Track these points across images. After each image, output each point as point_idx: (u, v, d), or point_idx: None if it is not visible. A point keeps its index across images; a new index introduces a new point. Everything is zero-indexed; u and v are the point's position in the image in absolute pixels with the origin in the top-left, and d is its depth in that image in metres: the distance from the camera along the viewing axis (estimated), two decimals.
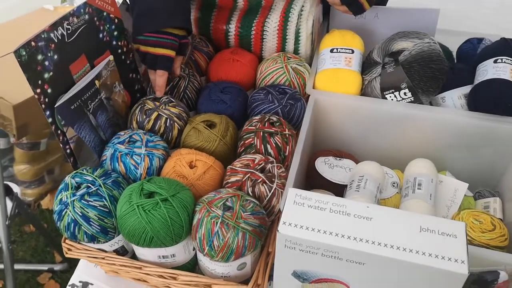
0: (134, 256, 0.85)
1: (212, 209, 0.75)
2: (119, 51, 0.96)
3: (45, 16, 2.17)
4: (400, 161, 1.01)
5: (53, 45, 0.78)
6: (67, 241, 0.82)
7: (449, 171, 1.03)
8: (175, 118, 0.94)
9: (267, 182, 0.82)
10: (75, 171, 0.81)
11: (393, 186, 0.98)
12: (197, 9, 1.13)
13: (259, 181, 0.82)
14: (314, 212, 0.70)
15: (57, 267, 1.92)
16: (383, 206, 0.82)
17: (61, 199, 0.78)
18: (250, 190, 0.82)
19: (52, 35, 0.78)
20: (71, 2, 3.18)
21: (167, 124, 0.94)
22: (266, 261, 0.81)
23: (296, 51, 1.14)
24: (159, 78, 0.97)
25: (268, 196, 0.82)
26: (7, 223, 1.38)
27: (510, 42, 1.01)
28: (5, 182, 1.42)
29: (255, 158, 0.86)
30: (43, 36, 0.76)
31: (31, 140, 1.90)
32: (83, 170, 0.81)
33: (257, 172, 0.83)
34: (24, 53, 0.72)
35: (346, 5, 1.01)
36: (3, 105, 1.69)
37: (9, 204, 1.43)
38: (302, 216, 0.69)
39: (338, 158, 1.03)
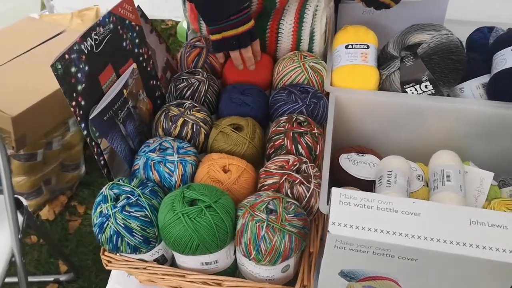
0: (173, 264, 0.84)
1: (256, 213, 0.75)
2: (141, 58, 0.95)
3: (32, 25, 2.14)
4: (421, 154, 1.02)
5: (84, 57, 0.77)
6: (106, 253, 0.81)
7: (471, 161, 1.04)
8: (201, 123, 0.94)
9: (305, 182, 0.82)
10: (112, 182, 0.80)
11: (419, 179, 0.99)
12: None
13: (296, 182, 0.82)
14: (361, 210, 0.70)
15: (63, 278, 1.90)
16: (428, 201, 0.83)
17: (101, 212, 0.77)
18: (288, 191, 0.82)
19: (82, 46, 0.77)
20: (50, 10, 3.13)
21: (194, 130, 0.93)
22: (309, 262, 0.81)
23: (310, 50, 1.14)
24: (249, 53, 0.99)
25: (307, 197, 0.82)
26: (19, 236, 1.35)
27: None
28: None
29: (289, 159, 0.86)
30: (75, 48, 0.75)
31: (28, 151, 1.87)
32: (119, 181, 0.80)
33: (293, 173, 0.83)
34: (59, 66, 0.71)
35: None
36: (1, 117, 1.65)
37: (19, 217, 1.40)
38: (350, 215, 0.69)
39: (361, 154, 1.03)
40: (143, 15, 1.00)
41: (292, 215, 0.76)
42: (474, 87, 1.06)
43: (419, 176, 0.99)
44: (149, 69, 0.98)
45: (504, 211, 0.89)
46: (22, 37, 2.00)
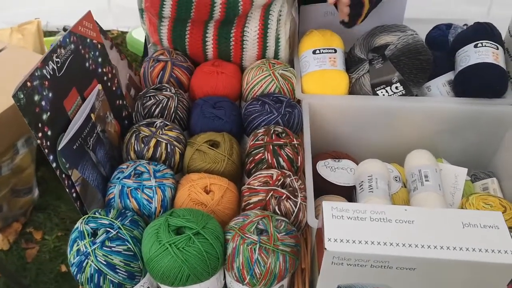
0: None
1: (246, 235, 0.72)
2: (105, 78, 0.89)
3: None
4: (395, 154, 1.02)
5: (46, 82, 0.70)
6: None
7: (444, 158, 1.05)
8: (175, 142, 0.89)
9: (291, 197, 0.80)
10: (87, 216, 0.74)
11: (396, 180, 0.99)
12: (170, 24, 1.07)
13: (283, 197, 0.80)
14: (355, 223, 0.69)
15: None
16: (419, 207, 0.83)
17: (78, 250, 0.71)
18: (276, 208, 0.79)
19: (44, 71, 0.70)
20: None
21: (168, 150, 0.88)
22: (302, 279, 0.79)
23: (276, 56, 1.11)
24: None
25: (295, 212, 0.79)
26: None
27: (485, 26, 1.05)
28: None
29: (272, 173, 0.83)
30: (37, 74, 0.68)
31: None
32: (95, 213, 0.75)
33: (279, 189, 0.80)
34: (22, 96, 0.65)
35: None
36: None
37: None
38: (345, 229, 0.68)
39: (337, 160, 1.02)
40: (102, 30, 0.94)
41: (284, 233, 0.73)
42: (440, 84, 1.07)
43: (396, 177, 1.00)
44: (114, 88, 0.93)
45: (483, 206, 0.90)
46: None
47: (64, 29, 2.44)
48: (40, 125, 0.68)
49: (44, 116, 0.70)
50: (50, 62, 0.72)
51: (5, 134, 1.71)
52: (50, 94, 0.71)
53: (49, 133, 0.70)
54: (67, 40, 0.77)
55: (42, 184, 2.04)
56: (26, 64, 1.84)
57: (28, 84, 0.66)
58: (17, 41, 2.16)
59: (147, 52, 1.25)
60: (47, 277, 1.82)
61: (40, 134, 0.68)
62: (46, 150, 0.70)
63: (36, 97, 0.68)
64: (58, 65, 0.74)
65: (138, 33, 2.17)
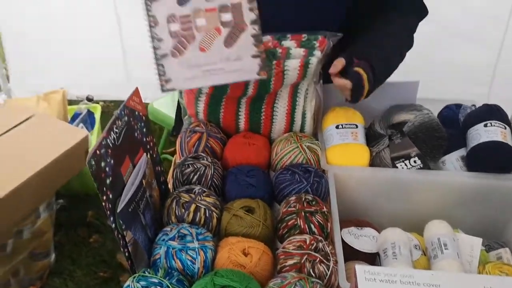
0: None
1: None
2: (148, 146, 0.98)
3: None
4: (414, 224, 1.09)
5: (109, 151, 0.79)
6: None
7: (460, 228, 1.12)
8: (213, 208, 0.96)
9: (324, 260, 0.86)
10: (137, 274, 0.80)
11: (416, 248, 1.05)
12: (206, 100, 1.18)
13: (317, 261, 0.86)
14: (386, 285, 0.74)
15: None
16: (444, 272, 0.88)
17: None
18: (311, 271, 0.85)
19: (108, 140, 0.79)
20: (7, 92, 3.10)
21: (207, 215, 0.95)
22: None
23: (302, 129, 1.21)
24: None
25: (328, 275, 0.85)
26: None
27: (493, 107, 1.16)
28: None
29: (305, 238, 0.89)
30: (103, 143, 0.77)
31: None
32: (144, 272, 0.80)
33: (313, 252, 0.86)
34: (93, 162, 0.73)
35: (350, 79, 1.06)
36: None
37: None
38: None
39: (360, 228, 1.09)
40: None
41: None
42: (454, 160, 1.16)
43: (416, 245, 1.06)
44: (154, 155, 1.01)
45: (499, 274, 0.96)
46: None
47: (88, 99, 2.56)
48: (105, 189, 0.76)
49: (108, 181, 0.77)
50: (112, 132, 0.81)
51: (29, 199, 1.76)
52: (112, 161, 0.80)
53: (110, 196, 0.78)
54: (122, 113, 0.87)
55: (58, 248, 2.07)
56: (53, 131, 1.95)
57: (98, 152, 0.75)
58: (43, 109, 2.27)
59: (178, 123, 1.35)
60: None
61: (104, 197, 0.76)
62: (108, 212, 0.77)
63: (103, 164, 0.76)
64: (117, 135, 0.83)
65: (159, 104, 2.29)
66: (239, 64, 1.01)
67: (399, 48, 1.18)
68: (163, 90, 1.03)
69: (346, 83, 1.05)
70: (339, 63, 1.07)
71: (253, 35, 1.00)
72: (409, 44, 1.21)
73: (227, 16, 0.98)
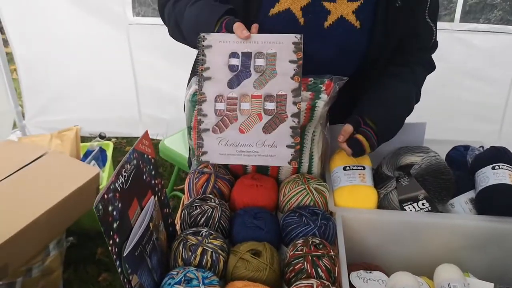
0: None
1: None
2: (156, 189, 0.99)
3: (11, 148, 2.15)
4: (423, 268, 1.07)
5: (117, 194, 0.80)
6: None
7: (470, 272, 1.10)
8: (219, 251, 0.96)
9: None
10: None
11: None
12: None
13: None
14: None
15: None
16: None
17: None
18: None
19: (116, 184, 0.80)
20: (22, 129, 3.16)
21: (213, 258, 0.95)
22: None
23: (309, 171, 1.22)
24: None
25: None
26: None
27: (501, 150, 1.16)
28: None
29: (312, 283, 0.89)
30: (111, 187, 0.78)
31: (7, 281, 1.78)
32: None
33: None
34: (100, 207, 0.74)
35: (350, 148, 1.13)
36: None
37: None
38: None
39: (369, 271, 1.07)
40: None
41: None
42: (463, 202, 1.15)
43: None
44: (162, 198, 1.02)
45: None
46: (2, 161, 2.00)
47: (100, 136, 2.60)
48: (111, 233, 0.77)
49: (115, 225, 0.78)
50: (120, 176, 0.82)
51: (40, 238, 1.78)
52: (120, 205, 0.81)
53: (117, 240, 0.78)
54: (131, 156, 0.88)
55: (66, 286, 2.07)
56: (65, 169, 1.97)
57: (105, 196, 0.76)
58: (56, 146, 2.31)
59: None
60: None
61: (111, 241, 0.76)
62: (115, 256, 0.77)
63: (110, 208, 0.77)
64: (125, 178, 0.84)
65: (170, 141, 2.32)
66: (274, 151, 1.08)
67: (408, 105, 1.24)
68: (198, 161, 1.10)
69: (348, 152, 1.13)
70: (346, 133, 1.13)
71: (292, 127, 1.07)
72: (417, 98, 1.28)
73: (271, 105, 1.07)
